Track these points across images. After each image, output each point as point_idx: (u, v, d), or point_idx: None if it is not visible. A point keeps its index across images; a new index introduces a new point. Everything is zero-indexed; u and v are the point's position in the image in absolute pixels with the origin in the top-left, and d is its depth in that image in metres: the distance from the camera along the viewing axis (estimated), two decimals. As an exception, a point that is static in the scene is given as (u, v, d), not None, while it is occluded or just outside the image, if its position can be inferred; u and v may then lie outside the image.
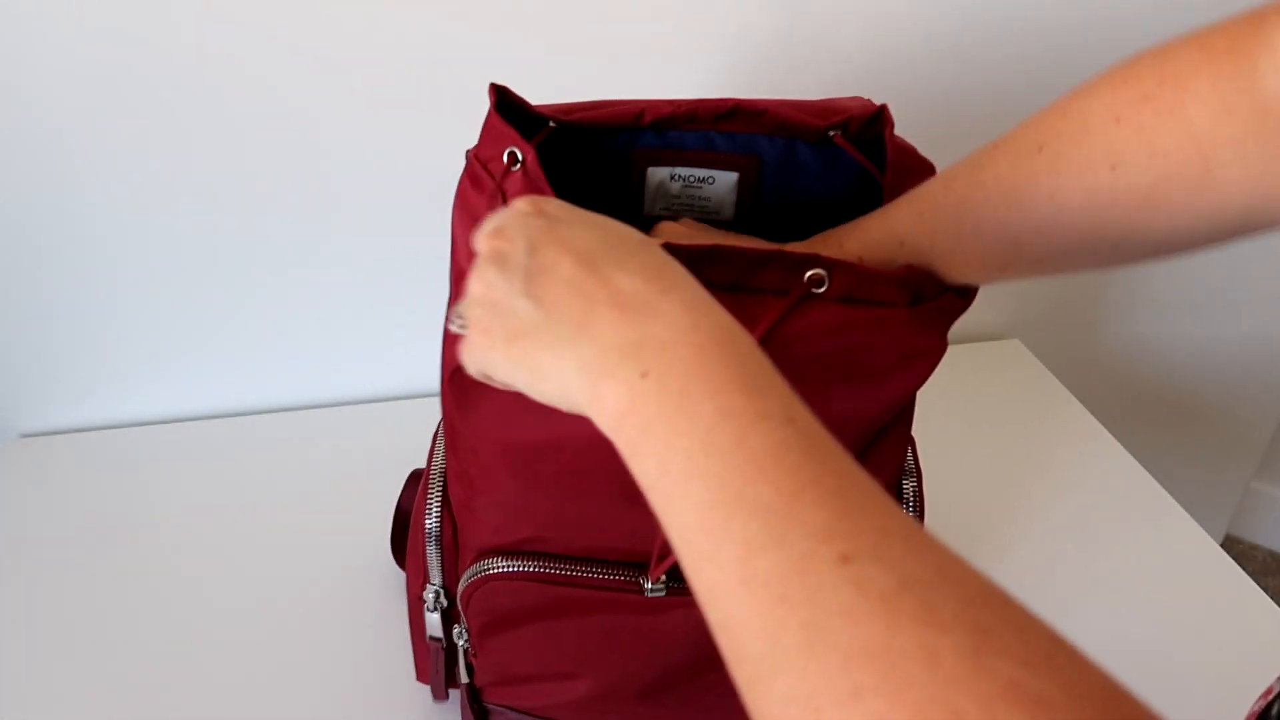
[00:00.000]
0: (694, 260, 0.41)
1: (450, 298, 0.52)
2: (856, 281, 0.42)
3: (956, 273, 0.46)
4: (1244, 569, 0.75)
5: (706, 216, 0.59)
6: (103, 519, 0.78)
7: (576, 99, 0.57)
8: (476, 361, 0.39)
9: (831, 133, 0.54)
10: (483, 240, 0.39)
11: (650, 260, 0.36)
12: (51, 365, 0.86)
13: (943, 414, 0.90)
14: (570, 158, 0.56)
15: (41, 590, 0.72)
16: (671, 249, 0.40)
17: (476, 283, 0.38)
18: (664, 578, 0.50)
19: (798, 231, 0.56)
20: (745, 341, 0.33)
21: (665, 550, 0.47)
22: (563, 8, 0.75)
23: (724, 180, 0.58)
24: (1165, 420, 1.18)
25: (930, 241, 0.46)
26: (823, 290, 0.42)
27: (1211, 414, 1.19)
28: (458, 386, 0.49)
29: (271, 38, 0.72)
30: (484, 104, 0.52)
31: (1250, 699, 0.65)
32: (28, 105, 0.72)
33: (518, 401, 0.46)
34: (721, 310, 0.34)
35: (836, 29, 0.80)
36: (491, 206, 0.47)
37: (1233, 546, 1.59)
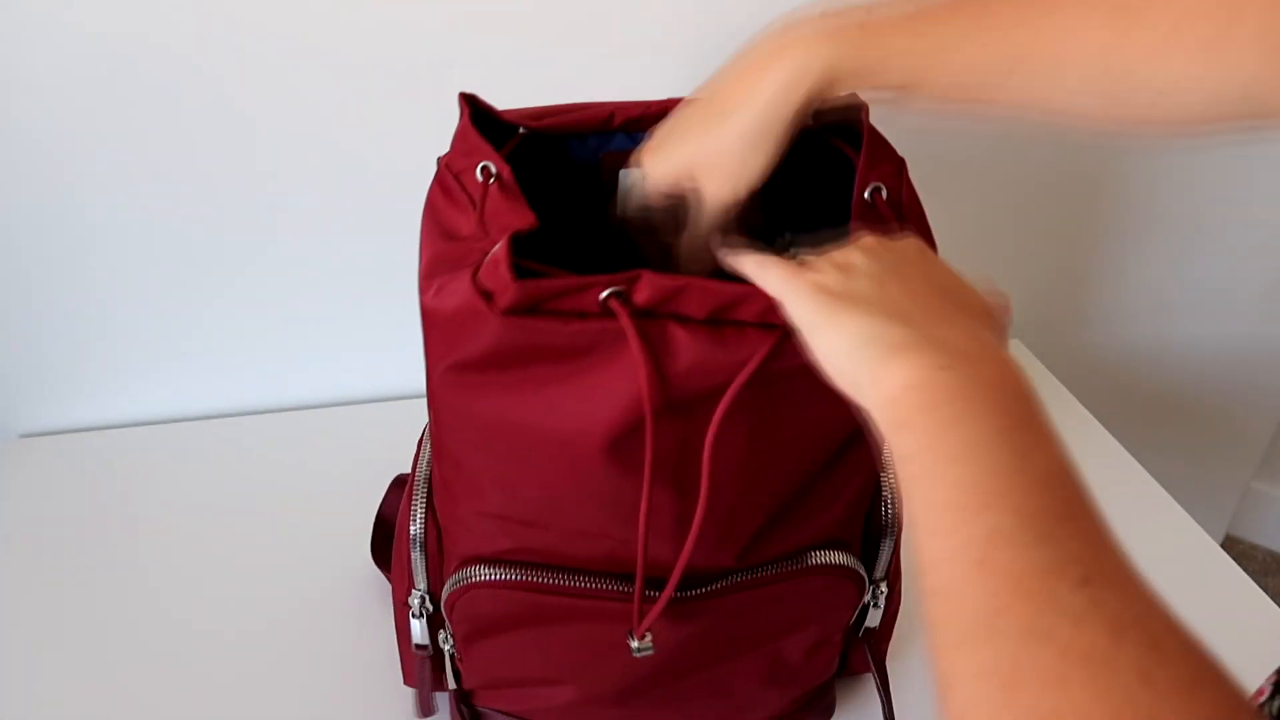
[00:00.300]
0: (671, 294, 0.42)
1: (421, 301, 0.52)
2: None
3: (940, 97, 0.46)
4: (1244, 569, 0.75)
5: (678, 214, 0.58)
6: (102, 519, 0.78)
7: (552, 99, 0.57)
8: (796, 297, 0.40)
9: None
10: (867, 238, 0.42)
11: (978, 302, 0.39)
12: (51, 365, 0.86)
13: (943, 414, 0.90)
14: (541, 161, 0.55)
15: (41, 590, 0.72)
16: (655, 278, 0.42)
17: (842, 254, 0.41)
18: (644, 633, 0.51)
19: (774, 214, 0.56)
20: (1038, 399, 0.35)
21: (645, 610, 0.48)
22: (544, 6, 0.75)
23: None
24: (1165, 420, 1.18)
25: (923, 62, 0.45)
26: None
27: (1211, 414, 1.19)
28: (448, 391, 0.49)
29: (271, 35, 0.72)
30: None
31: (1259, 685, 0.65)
32: (25, 105, 0.72)
33: (502, 417, 0.46)
34: (1021, 369, 0.36)
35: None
36: (467, 218, 0.48)
37: (1233, 546, 1.59)
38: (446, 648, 0.57)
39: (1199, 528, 0.79)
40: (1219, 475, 1.28)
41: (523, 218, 0.46)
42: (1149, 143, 0.94)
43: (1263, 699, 0.45)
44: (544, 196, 0.54)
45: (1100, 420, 0.91)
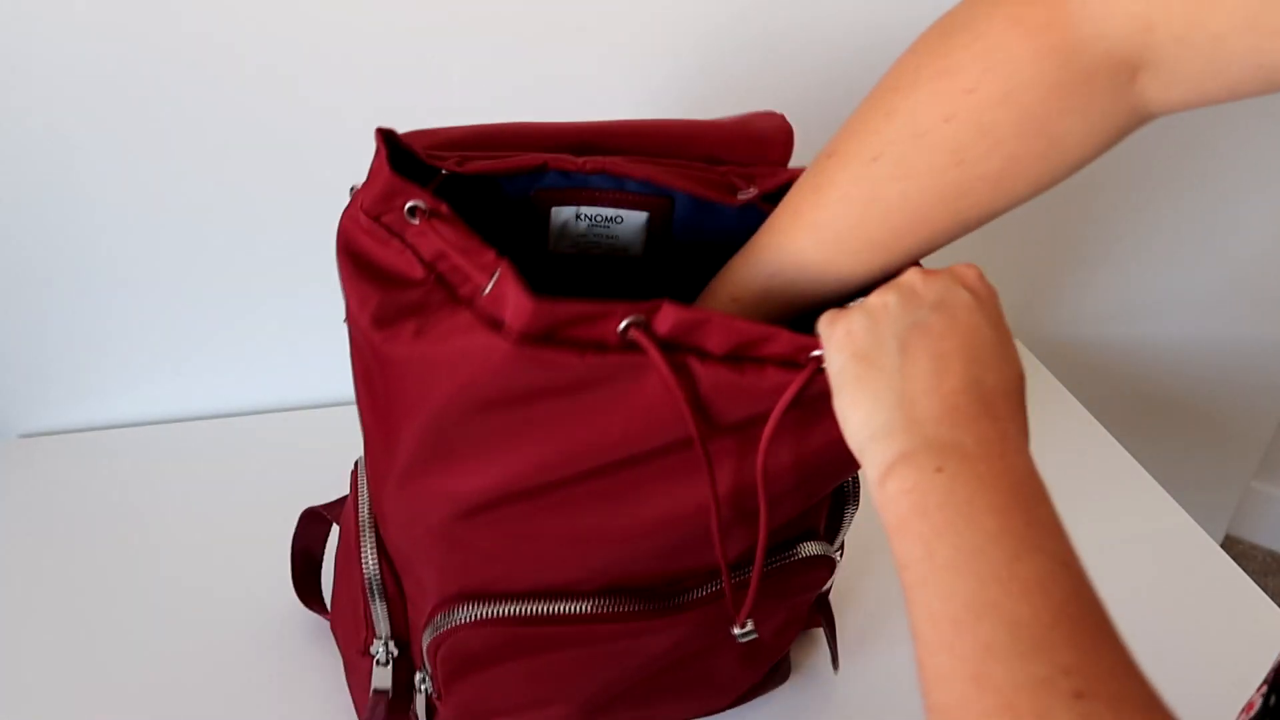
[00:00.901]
0: (693, 326, 0.41)
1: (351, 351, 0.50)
2: None
3: (835, 281, 0.46)
4: (1244, 569, 0.75)
5: (614, 255, 0.57)
6: (102, 519, 0.78)
7: (517, 113, 0.56)
8: (826, 346, 0.41)
9: (742, 197, 0.52)
10: (910, 274, 0.42)
11: (1002, 375, 0.38)
12: (51, 365, 0.86)
13: (943, 414, 0.90)
14: (466, 194, 0.52)
15: (41, 590, 0.72)
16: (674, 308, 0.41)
17: (881, 295, 0.41)
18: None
19: (710, 268, 0.55)
20: (1040, 488, 0.35)
21: (739, 599, 0.49)
22: (510, 18, 0.75)
23: (633, 219, 0.55)
24: (1165, 420, 1.18)
25: (798, 270, 0.46)
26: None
27: (1211, 414, 1.19)
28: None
29: (267, 31, 0.72)
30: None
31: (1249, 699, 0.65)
32: (26, 104, 0.72)
33: (451, 470, 0.45)
34: (1028, 454, 0.36)
35: (782, 40, 0.80)
36: (406, 260, 0.44)
37: (1233, 546, 1.59)
38: (423, 688, 0.54)
39: (1199, 528, 0.79)
40: (1219, 475, 1.28)
41: (483, 251, 0.43)
42: (1150, 142, 0.94)
43: (1253, 713, 0.45)
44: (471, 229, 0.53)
45: (1100, 420, 0.91)
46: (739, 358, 0.42)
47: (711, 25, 0.78)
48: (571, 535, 0.47)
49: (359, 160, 0.79)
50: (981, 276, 0.42)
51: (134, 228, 0.79)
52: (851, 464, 0.48)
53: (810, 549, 0.55)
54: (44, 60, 0.70)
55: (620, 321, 0.40)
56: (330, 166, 0.79)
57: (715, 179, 0.53)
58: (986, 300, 0.41)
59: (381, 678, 0.54)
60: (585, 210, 0.55)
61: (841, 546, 0.60)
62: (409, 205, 0.44)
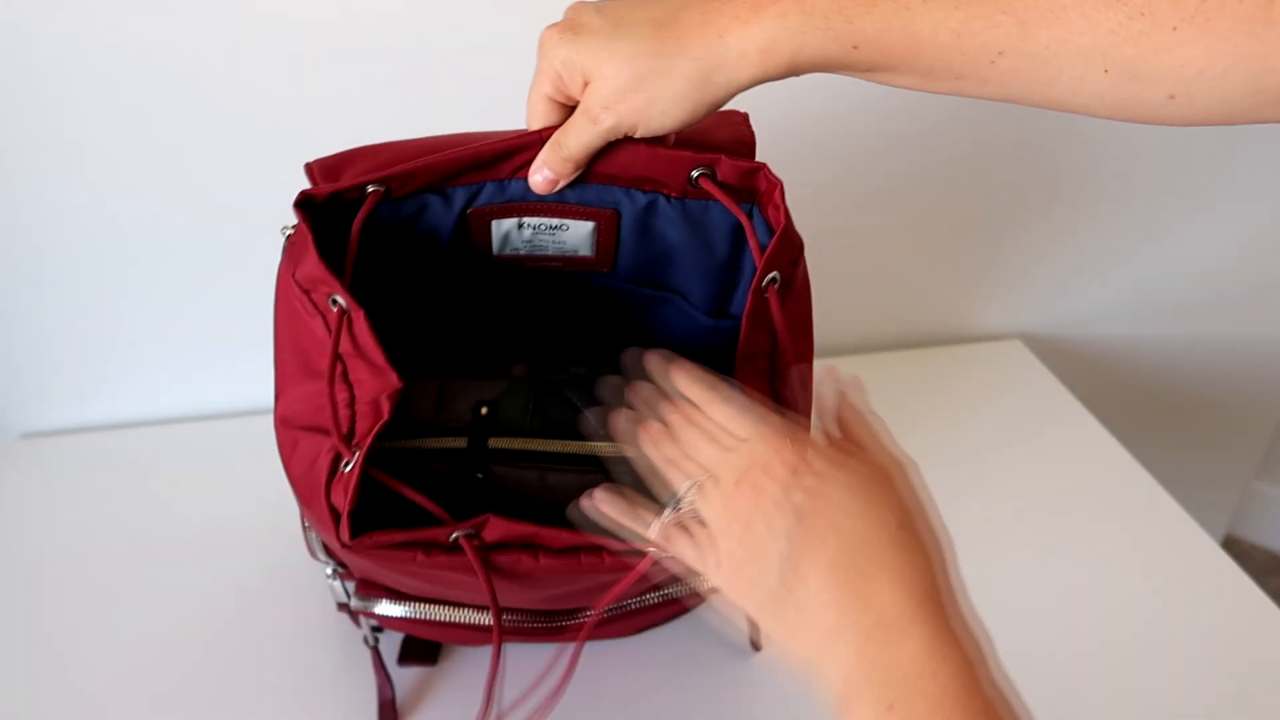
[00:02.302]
0: (523, 539, 0.46)
1: (276, 383, 0.52)
2: None
3: (917, 85, 0.43)
4: (1244, 569, 0.75)
5: (564, 255, 0.57)
6: (103, 519, 0.78)
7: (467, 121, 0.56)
8: (719, 578, 0.40)
9: (697, 174, 0.50)
10: (744, 459, 0.40)
11: (909, 564, 0.36)
12: (52, 365, 0.86)
13: (943, 414, 0.90)
14: (400, 218, 0.53)
15: (41, 590, 0.72)
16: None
17: (742, 497, 0.39)
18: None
19: (666, 264, 0.56)
20: (985, 678, 0.35)
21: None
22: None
23: (579, 227, 0.55)
24: (1165, 420, 1.18)
25: (894, 51, 0.42)
26: None
27: (1211, 414, 1.19)
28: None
29: (278, 31, 0.72)
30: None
31: (1250, 699, 0.65)
32: (29, 102, 0.72)
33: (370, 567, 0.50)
34: (968, 639, 0.35)
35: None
36: (322, 346, 0.46)
37: (1233, 546, 1.59)
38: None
39: (1199, 528, 0.79)
40: (1219, 475, 1.28)
41: (381, 377, 0.45)
42: (1150, 140, 0.94)
43: None
44: (407, 245, 0.54)
45: (1100, 420, 0.91)
46: (576, 550, 0.45)
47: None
48: (466, 599, 0.53)
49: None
50: (792, 449, 0.39)
51: (135, 229, 0.79)
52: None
53: (680, 590, 0.56)
54: (49, 61, 0.70)
55: (449, 536, 0.44)
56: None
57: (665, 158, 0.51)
58: (815, 462, 0.39)
59: (339, 593, 0.59)
60: (528, 220, 0.54)
61: None
62: (330, 297, 0.45)
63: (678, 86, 0.44)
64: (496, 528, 0.43)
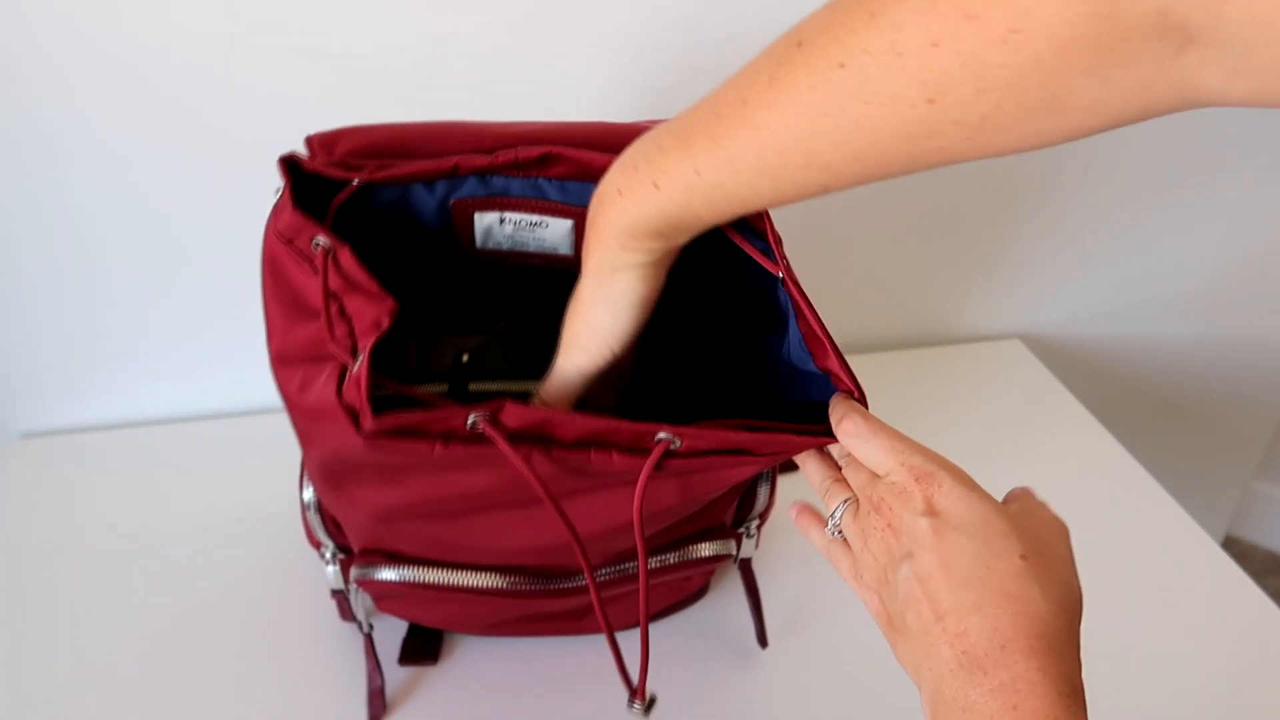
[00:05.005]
0: (538, 425, 0.44)
1: (270, 346, 0.51)
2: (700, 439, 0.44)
3: (768, 193, 0.40)
4: (1244, 569, 0.75)
5: (545, 252, 0.58)
6: (103, 519, 0.78)
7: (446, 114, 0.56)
8: (861, 596, 0.45)
9: None
10: (881, 489, 0.43)
11: (1007, 608, 0.38)
12: (52, 365, 0.86)
13: (943, 414, 0.90)
14: (384, 204, 0.53)
15: (41, 590, 0.72)
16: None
17: (865, 528, 0.43)
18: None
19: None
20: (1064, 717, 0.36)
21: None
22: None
23: (558, 225, 0.55)
24: (1165, 420, 1.18)
25: (730, 172, 0.40)
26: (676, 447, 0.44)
27: (1211, 414, 1.19)
28: (323, 483, 0.51)
29: (274, 27, 0.72)
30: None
31: (1250, 699, 0.65)
32: (25, 102, 0.72)
33: (382, 494, 0.48)
34: (1046, 688, 0.36)
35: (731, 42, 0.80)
36: (314, 285, 0.46)
37: (1233, 546, 1.59)
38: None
39: (1199, 528, 0.79)
40: (1219, 475, 1.28)
41: (377, 302, 0.44)
42: (1150, 138, 0.94)
43: None
44: (389, 238, 0.54)
45: (1100, 420, 0.91)
46: (587, 444, 0.45)
47: (655, 28, 0.77)
48: (468, 545, 0.52)
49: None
50: (923, 484, 0.42)
51: (135, 228, 0.79)
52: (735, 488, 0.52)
53: (705, 550, 0.57)
54: (47, 60, 0.70)
55: (466, 419, 0.43)
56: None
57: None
58: (938, 500, 0.42)
59: (332, 577, 0.59)
60: (509, 215, 0.55)
61: (761, 518, 0.61)
62: (314, 239, 0.46)
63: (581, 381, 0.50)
64: (513, 413, 0.42)
